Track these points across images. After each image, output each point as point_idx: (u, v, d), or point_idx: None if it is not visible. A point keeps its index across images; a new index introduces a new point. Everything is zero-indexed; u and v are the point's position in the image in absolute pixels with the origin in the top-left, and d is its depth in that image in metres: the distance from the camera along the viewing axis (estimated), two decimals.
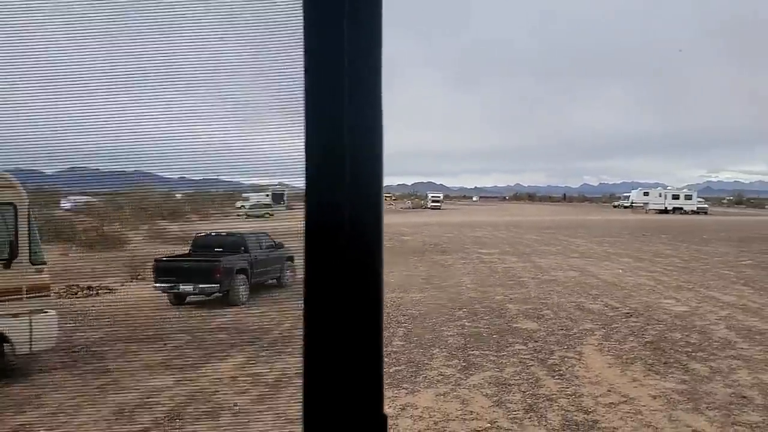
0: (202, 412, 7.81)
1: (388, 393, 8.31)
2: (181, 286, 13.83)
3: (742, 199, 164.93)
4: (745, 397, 8.04)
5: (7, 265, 8.05)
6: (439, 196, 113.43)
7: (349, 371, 1.03)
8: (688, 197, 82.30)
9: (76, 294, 13.34)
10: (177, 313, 13.48)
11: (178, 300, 14.21)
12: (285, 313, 12.17)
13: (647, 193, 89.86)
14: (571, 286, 17.52)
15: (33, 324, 8.17)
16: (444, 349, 10.52)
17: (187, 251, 14.99)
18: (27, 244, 8.23)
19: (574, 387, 8.54)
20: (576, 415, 7.49)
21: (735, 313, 13.40)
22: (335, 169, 1.01)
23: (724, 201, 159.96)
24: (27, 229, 8.17)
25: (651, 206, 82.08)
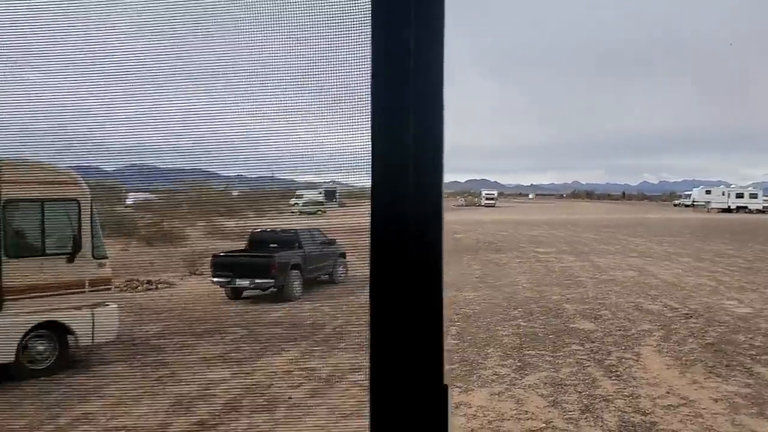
0: (258, 405, 7.95)
1: None
2: (238, 281, 14.11)
3: None
4: None
5: (71, 259, 8.38)
6: (493, 194, 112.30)
7: (412, 346, 1.08)
8: (753, 195, 79.12)
9: (136, 288, 13.76)
10: (233, 307, 13.76)
11: (235, 295, 14.50)
12: (338, 309, 12.29)
13: (709, 191, 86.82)
14: (629, 286, 17.10)
15: (95, 316, 8.48)
16: (498, 349, 10.43)
17: (243, 247, 15.29)
18: (89, 239, 8.54)
19: (631, 388, 8.34)
20: (633, 417, 7.32)
21: None
22: (400, 169, 1.04)
23: None
24: (90, 224, 8.49)
25: (713, 205, 79.30)
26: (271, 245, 14.84)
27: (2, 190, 7.60)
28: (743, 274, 19.33)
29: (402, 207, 1.05)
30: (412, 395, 1.10)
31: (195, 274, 15.42)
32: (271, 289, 14.24)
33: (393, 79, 1.06)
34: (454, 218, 55.63)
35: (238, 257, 14.78)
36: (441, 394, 1.10)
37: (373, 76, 1.07)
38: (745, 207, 76.24)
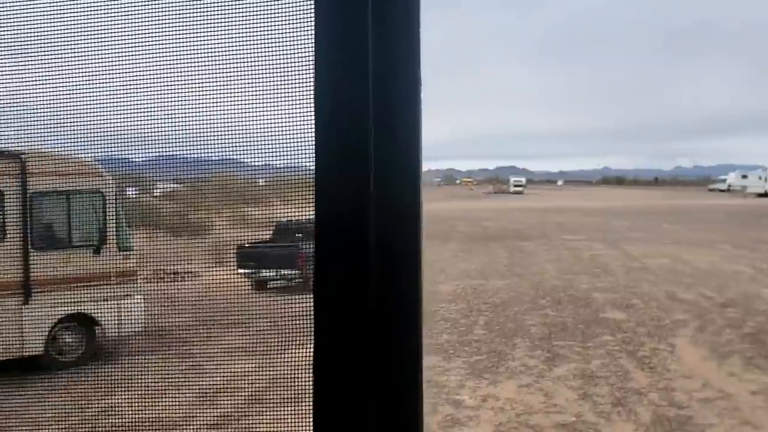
0: (283, 397, 7.92)
1: (469, 383, 8.17)
2: (263, 272, 14.13)
3: None
4: None
5: (97, 251, 8.42)
6: (521, 181, 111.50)
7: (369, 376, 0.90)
8: None
9: (162, 279, 13.85)
10: (259, 298, 13.80)
11: (260, 285, 14.53)
12: None
13: (746, 175, 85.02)
14: (662, 274, 16.73)
15: (121, 308, 8.51)
16: (527, 339, 10.25)
17: (268, 237, 15.32)
18: (114, 231, 8.57)
19: (665, 381, 8.12)
20: (668, 411, 7.11)
21: None
22: (354, 159, 0.88)
23: None
24: (114, 216, 8.50)
25: (750, 189, 77.63)
26: (297, 235, 14.83)
27: (29, 182, 7.64)
28: None
29: (359, 201, 0.88)
30: None
31: (221, 264, 15.47)
32: (297, 280, 14.23)
33: (341, 54, 0.90)
34: (482, 206, 55.35)
35: (263, 247, 14.79)
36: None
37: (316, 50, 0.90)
38: None
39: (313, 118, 0.91)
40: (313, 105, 0.91)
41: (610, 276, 16.51)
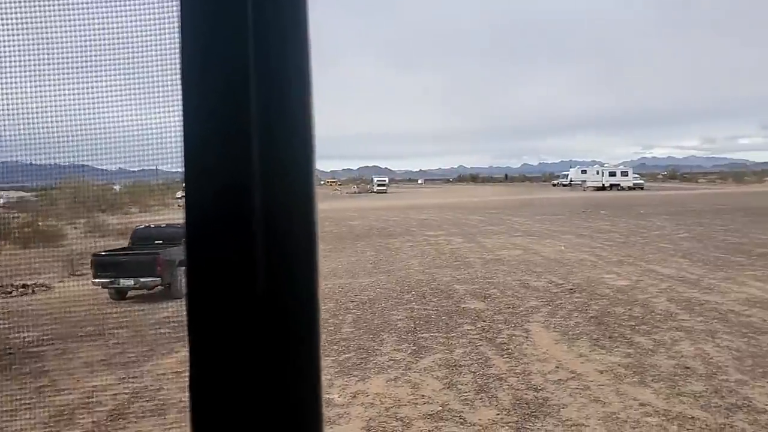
0: (147, 409, 7.51)
1: (338, 381, 8.19)
2: (122, 281, 13.40)
3: (676, 174, 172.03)
4: (688, 368, 8.23)
5: None
6: (384, 180, 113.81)
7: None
8: (625, 174, 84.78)
9: (10, 293, 12.78)
10: (119, 308, 13.04)
11: (119, 295, 13.76)
12: None
13: (585, 171, 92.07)
14: (515, 264, 17.73)
15: None
16: (394, 334, 10.45)
17: (126, 245, 14.52)
18: None
19: (523, 365, 8.59)
20: (526, 394, 7.52)
21: (675, 286, 13.79)
22: (230, 157, 0.81)
23: (659, 176, 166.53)
24: None
25: (589, 183, 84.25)
26: (156, 241, 14.17)
27: None
28: (620, 248, 20.56)
29: (246, 199, 0.81)
30: None
31: (75, 275, 14.48)
32: (158, 287, 13.61)
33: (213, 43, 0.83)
34: (347, 206, 55.73)
35: (120, 255, 14.03)
36: None
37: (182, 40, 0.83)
38: (618, 185, 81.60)
39: (177, 119, 0.84)
40: (181, 104, 0.83)
41: (470, 268, 17.25)
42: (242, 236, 0.80)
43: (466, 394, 7.59)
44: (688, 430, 6.35)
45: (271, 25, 0.84)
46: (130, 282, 13.45)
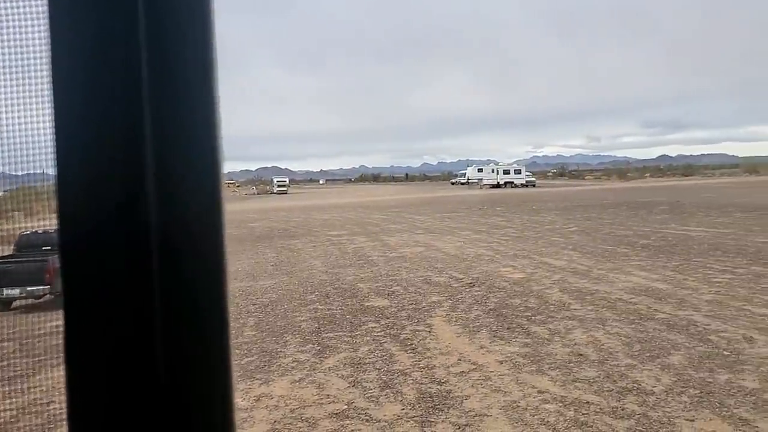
0: (36, 424, 7.01)
1: (241, 385, 7.97)
2: (5, 291, 12.54)
3: (565, 171, 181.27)
4: (581, 354, 8.62)
5: None
6: (285, 181, 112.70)
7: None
8: (518, 172, 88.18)
9: None
10: (2, 320, 12.14)
11: (3, 306, 12.85)
12: None
13: (481, 169, 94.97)
14: (417, 261, 17.98)
15: None
16: (297, 335, 10.31)
17: (9, 252, 13.58)
18: None
19: (426, 359, 8.70)
20: (430, 387, 7.62)
21: (566, 277, 14.43)
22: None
23: (549, 174, 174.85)
24: None
25: (485, 182, 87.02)
26: (44, 248, 13.33)
27: None
28: (515, 243, 21.31)
29: (136, 205, 0.73)
30: None
31: None
32: (47, 296, 12.80)
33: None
34: (247, 207, 54.67)
35: (4, 264, 13.11)
36: None
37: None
38: (512, 182, 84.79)
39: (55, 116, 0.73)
40: (52, 100, 0.73)
41: (373, 266, 17.33)
42: (133, 251, 0.71)
43: (371, 392, 7.58)
44: (583, 414, 6.64)
45: (167, 15, 0.75)
46: (15, 291, 12.60)
